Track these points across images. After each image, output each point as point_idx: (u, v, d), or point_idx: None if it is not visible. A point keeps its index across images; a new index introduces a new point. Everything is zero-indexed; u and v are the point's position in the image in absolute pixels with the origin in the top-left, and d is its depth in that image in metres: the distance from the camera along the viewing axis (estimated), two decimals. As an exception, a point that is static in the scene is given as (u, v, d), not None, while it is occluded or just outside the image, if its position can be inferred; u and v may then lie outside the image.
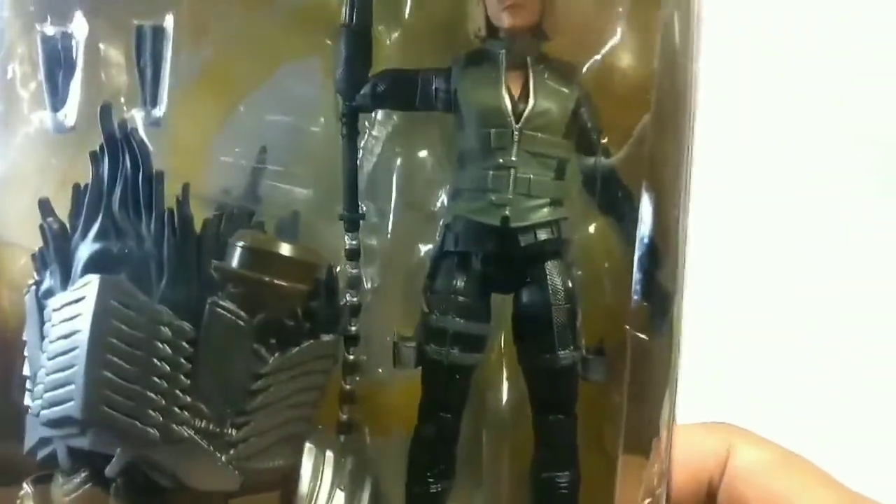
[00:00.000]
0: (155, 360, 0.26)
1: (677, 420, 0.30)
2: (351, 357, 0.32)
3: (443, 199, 0.31)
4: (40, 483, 0.28)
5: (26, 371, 0.29)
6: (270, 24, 0.33)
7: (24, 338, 0.29)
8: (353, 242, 0.33)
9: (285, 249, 0.28)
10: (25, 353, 0.29)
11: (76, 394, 0.26)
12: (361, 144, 0.33)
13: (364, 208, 0.33)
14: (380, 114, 0.33)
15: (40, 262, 0.28)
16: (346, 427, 0.33)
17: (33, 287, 0.28)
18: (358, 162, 0.32)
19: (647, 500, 0.28)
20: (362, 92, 0.31)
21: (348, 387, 0.33)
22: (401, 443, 0.32)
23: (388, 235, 0.32)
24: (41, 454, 0.27)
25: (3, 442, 0.29)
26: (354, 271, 0.32)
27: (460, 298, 0.30)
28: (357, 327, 0.32)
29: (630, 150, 0.30)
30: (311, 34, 0.33)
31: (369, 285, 0.33)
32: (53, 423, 0.26)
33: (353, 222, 0.33)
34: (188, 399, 0.26)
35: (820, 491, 0.32)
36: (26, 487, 0.28)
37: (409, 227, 0.32)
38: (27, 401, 0.28)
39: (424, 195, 0.32)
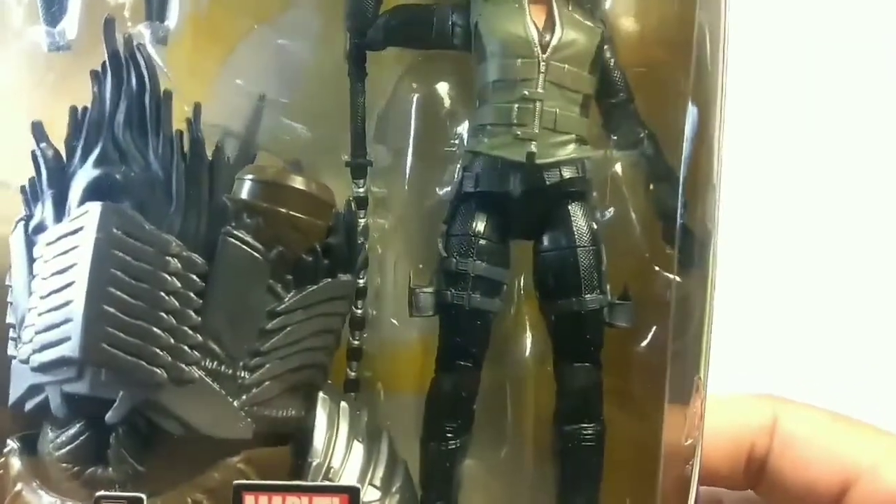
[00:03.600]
0: (162, 295, 0.25)
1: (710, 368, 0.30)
2: (359, 312, 0.32)
3: (461, 135, 0.31)
4: (24, 439, 0.27)
5: (10, 319, 0.27)
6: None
7: (9, 283, 0.28)
8: (361, 190, 0.32)
9: (300, 183, 0.27)
10: (9, 300, 0.27)
11: (74, 332, 0.24)
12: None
13: (372, 156, 0.32)
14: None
15: (31, 193, 0.27)
16: (353, 384, 0.32)
17: (21, 224, 0.27)
18: (365, 104, 0.32)
19: (689, 441, 0.28)
20: (373, 28, 0.31)
21: (356, 343, 0.32)
22: (414, 402, 0.31)
23: (405, 179, 0.32)
24: (30, 404, 0.26)
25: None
26: (362, 221, 0.32)
27: (481, 241, 0.30)
28: (365, 279, 0.32)
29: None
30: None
31: (377, 234, 0.33)
32: (46, 368, 0.25)
33: (360, 169, 0.32)
34: (198, 338, 0.25)
35: (881, 444, 0.32)
36: (11, 444, 0.27)
37: (426, 169, 0.32)
38: (11, 350, 0.27)
39: (442, 134, 0.31)
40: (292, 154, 0.32)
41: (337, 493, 0.24)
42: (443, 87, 0.32)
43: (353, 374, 0.32)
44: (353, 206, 0.30)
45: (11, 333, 0.27)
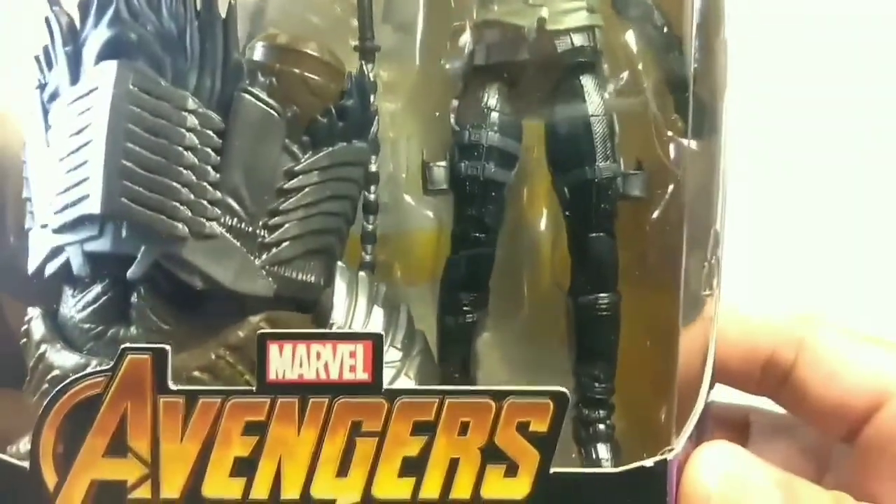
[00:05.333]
0: (180, 150, 0.25)
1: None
2: (372, 196, 0.33)
3: (471, 7, 0.32)
4: (45, 303, 0.27)
5: (26, 193, 0.28)
6: None
7: (23, 156, 0.28)
8: (369, 69, 0.33)
9: (313, 48, 0.28)
10: (25, 175, 0.28)
11: (93, 189, 0.25)
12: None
13: (379, 40, 0.33)
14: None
15: (45, 60, 0.28)
16: (369, 267, 0.33)
17: (36, 92, 0.28)
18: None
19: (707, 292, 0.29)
20: None
21: (370, 227, 0.33)
22: (430, 287, 0.32)
23: (414, 59, 0.32)
24: (51, 267, 0.27)
25: None
26: (358, 80, 0.32)
27: (493, 113, 0.31)
28: (377, 164, 0.32)
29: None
30: None
31: (389, 119, 0.33)
32: (67, 227, 0.26)
33: (368, 51, 0.33)
34: (217, 194, 0.26)
35: None
36: (32, 312, 0.27)
37: (434, 46, 0.32)
38: (28, 223, 0.28)
39: (450, 7, 0.32)
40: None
41: (361, 339, 0.25)
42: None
43: (368, 257, 0.33)
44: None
45: (29, 206, 0.28)
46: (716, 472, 0.28)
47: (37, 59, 0.28)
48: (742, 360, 0.35)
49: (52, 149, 0.27)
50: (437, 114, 0.32)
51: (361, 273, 0.30)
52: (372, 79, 0.33)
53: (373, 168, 0.31)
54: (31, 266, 0.27)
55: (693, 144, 0.30)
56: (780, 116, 0.56)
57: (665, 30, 0.31)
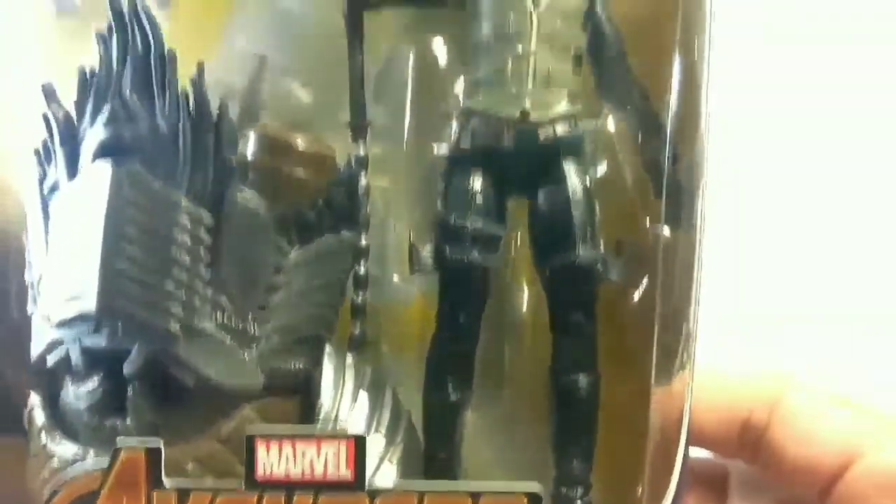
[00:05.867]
0: (174, 250, 0.27)
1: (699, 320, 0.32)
2: (362, 270, 0.34)
3: (457, 93, 0.33)
4: (46, 392, 0.29)
5: (28, 277, 0.30)
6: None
7: (26, 241, 0.30)
8: (361, 151, 0.34)
9: (300, 139, 0.29)
10: (28, 259, 0.30)
11: (90, 287, 0.26)
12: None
13: (371, 116, 0.34)
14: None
15: (44, 155, 0.29)
16: (357, 341, 0.34)
17: (35, 184, 0.29)
18: (363, 64, 0.34)
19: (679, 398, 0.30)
20: (371, -12, 0.33)
21: (359, 300, 0.34)
22: (416, 358, 0.33)
23: (404, 138, 0.34)
24: (51, 359, 0.28)
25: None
26: (364, 181, 0.34)
27: (478, 197, 0.32)
28: (366, 238, 0.34)
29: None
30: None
31: (378, 195, 0.34)
32: (66, 323, 0.27)
33: (359, 129, 0.34)
34: (209, 292, 0.27)
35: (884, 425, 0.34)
36: (34, 398, 0.29)
37: (424, 127, 0.33)
38: (30, 308, 0.29)
39: (439, 93, 0.33)
40: (293, 115, 0.34)
41: (344, 439, 0.26)
42: (439, 46, 0.34)
43: (357, 331, 0.34)
44: (353, 164, 0.32)
45: (31, 291, 0.29)
46: None
47: (36, 152, 0.29)
48: (720, 423, 0.36)
49: (51, 241, 0.28)
50: (424, 195, 0.33)
51: (349, 356, 0.31)
52: (363, 154, 0.34)
53: (363, 243, 0.32)
54: (34, 353, 0.29)
55: (667, 231, 0.31)
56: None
57: (647, 116, 0.32)
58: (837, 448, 0.34)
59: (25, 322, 0.30)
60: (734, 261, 0.53)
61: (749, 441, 0.36)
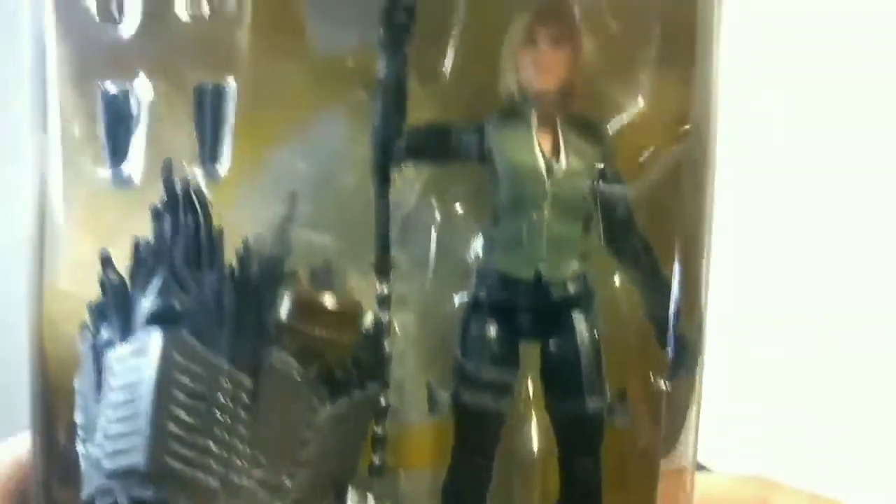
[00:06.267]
0: (216, 412, 0.30)
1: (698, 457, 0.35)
2: (382, 402, 0.37)
3: (476, 250, 0.36)
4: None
5: (77, 418, 0.32)
6: (303, 74, 0.36)
7: (76, 385, 0.32)
8: (384, 291, 0.37)
9: (329, 301, 0.32)
10: (78, 401, 0.32)
11: (140, 445, 0.29)
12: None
13: (394, 257, 0.37)
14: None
15: (98, 313, 0.32)
16: (377, 470, 0.37)
17: (88, 336, 0.32)
18: (389, 212, 0.37)
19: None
20: (398, 144, 0.35)
21: (380, 432, 0.37)
22: (430, 476, 0.36)
23: (425, 283, 0.36)
24: (101, 503, 0.31)
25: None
26: (385, 318, 0.36)
27: (493, 347, 0.35)
28: (386, 397, 0.36)
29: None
30: (343, 86, 0.37)
31: (399, 332, 0.37)
32: (116, 474, 0.30)
33: (384, 271, 0.37)
34: (247, 449, 0.30)
35: None
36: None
37: (445, 276, 0.36)
38: (80, 448, 0.32)
39: (460, 247, 0.36)
40: (322, 256, 0.37)
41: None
42: (460, 200, 0.37)
43: (377, 461, 0.37)
44: (378, 308, 0.35)
45: (81, 432, 0.32)
46: None
47: (89, 308, 0.32)
48: None
49: (103, 392, 0.31)
50: (443, 338, 0.36)
51: (370, 496, 0.34)
52: (386, 293, 0.37)
53: (382, 403, 0.35)
54: (85, 493, 0.31)
55: (668, 385, 0.34)
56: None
57: (653, 272, 0.35)
58: None
59: (73, 455, 0.33)
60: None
61: None
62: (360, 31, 0.36)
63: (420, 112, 0.35)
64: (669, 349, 0.34)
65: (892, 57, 0.75)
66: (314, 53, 0.36)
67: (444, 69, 0.35)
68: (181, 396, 0.29)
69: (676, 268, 0.34)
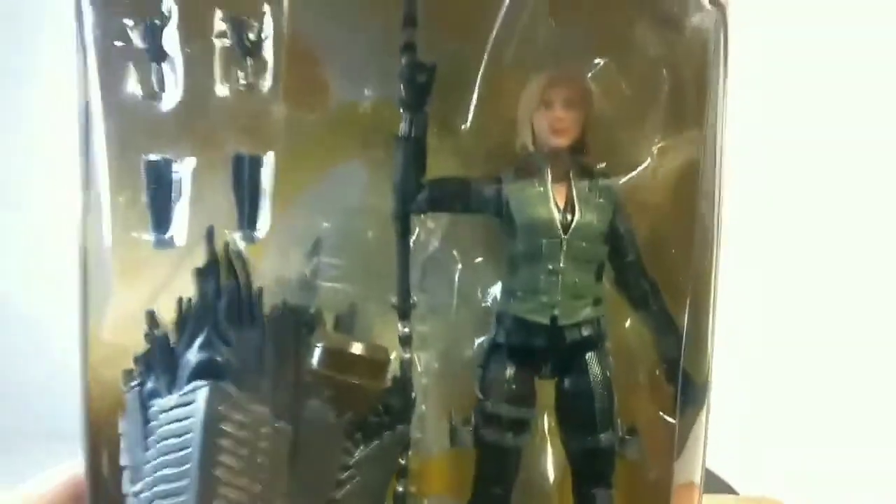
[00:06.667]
0: (258, 458, 0.32)
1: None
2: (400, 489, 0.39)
3: (495, 295, 0.38)
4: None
5: (124, 461, 0.35)
6: (327, 133, 0.39)
7: (121, 430, 0.35)
8: (406, 329, 0.39)
9: (359, 349, 0.34)
10: (123, 445, 0.35)
11: (189, 490, 0.32)
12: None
13: (415, 299, 0.39)
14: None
15: (144, 364, 0.34)
16: (401, 498, 0.39)
17: (136, 387, 0.34)
18: (409, 259, 0.39)
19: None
20: (419, 196, 0.38)
21: (403, 462, 0.39)
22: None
23: (447, 324, 0.39)
24: (152, 543, 0.33)
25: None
26: (407, 356, 0.39)
27: (512, 387, 0.37)
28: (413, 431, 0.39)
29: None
30: (363, 142, 0.39)
31: (422, 369, 0.40)
32: (165, 514, 0.32)
33: (405, 312, 0.39)
34: (288, 491, 0.32)
35: None
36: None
37: (465, 319, 0.39)
38: (127, 487, 0.34)
39: (478, 293, 0.38)
40: (348, 300, 0.39)
41: None
42: (478, 249, 0.39)
43: (401, 489, 0.39)
44: (400, 347, 0.38)
45: (128, 474, 0.34)
46: None
47: (135, 360, 0.34)
48: None
49: (151, 440, 0.33)
50: (464, 377, 0.38)
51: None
52: (408, 331, 0.39)
53: (410, 437, 0.37)
54: (135, 534, 0.34)
55: (672, 421, 0.37)
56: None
57: (662, 315, 0.38)
58: None
59: (120, 498, 0.35)
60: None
61: None
62: (381, 88, 0.38)
63: (439, 165, 0.38)
64: (678, 386, 0.36)
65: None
66: (336, 110, 0.38)
67: (464, 126, 0.38)
68: (226, 443, 0.32)
69: (683, 307, 0.37)
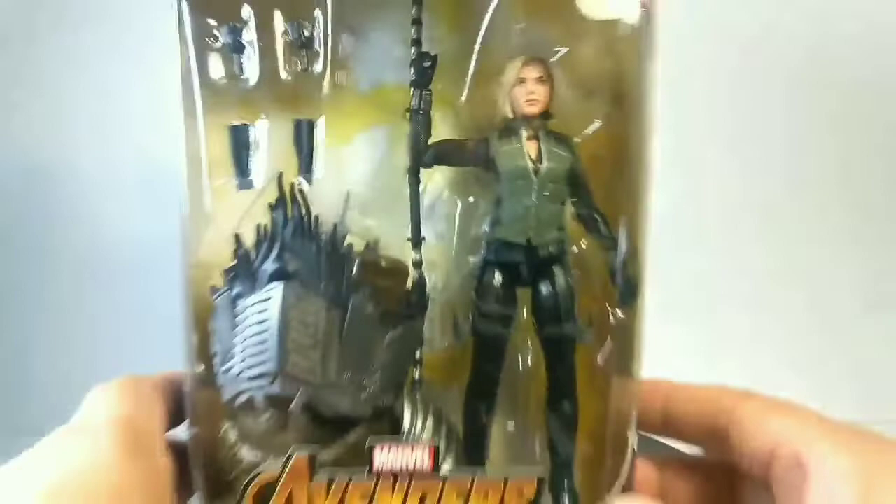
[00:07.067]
0: (320, 335, 0.45)
1: (642, 367, 0.51)
2: (416, 374, 0.52)
3: (485, 226, 0.51)
4: (237, 421, 0.47)
5: (215, 348, 0.47)
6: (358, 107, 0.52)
7: (211, 328, 0.48)
8: (417, 257, 0.52)
9: (389, 261, 0.48)
10: (213, 338, 0.47)
11: (271, 358, 0.45)
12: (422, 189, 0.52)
13: (424, 233, 0.52)
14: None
15: (231, 275, 0.47)
16: (418, 383, 0.52)
17: (226, 292, 0.47)
18: (420, 201, 0.52)
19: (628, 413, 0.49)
20: (427, 154, 0.51)
21: (419, 356, 0.52)
22: (457, 390, 0.52)
23: (451, 251, 0.52)
24: (239, 402, 0.46)
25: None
26: (417, 275, 0.52)
27: (499, 292, 0.50)
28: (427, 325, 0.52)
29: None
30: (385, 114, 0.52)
31: (430, 284, 0.53)
32: (252, 378, 0.45)
33: (417, 243, 0.52)
34: (341, 359, 0.45)
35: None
36: (226, 424, 0.47)
37: (462, 246, 0.52)
38: (219, 368, 0.47)
39: (472, 227, 0.52)
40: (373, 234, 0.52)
41: (426, 446, 0.44)
42: (470, 191, 0.52)
43: (417, 376, 0.52)
44: (418, 274, 0.51)
45: (218, 358, 0.47)
46: None
47: (225, 271, 0.47)
48: (695, 427, 0.50)
49: (238, 328, 0.46)
50: (463, 287, 0.52)
51: (417, 394, 0.49)
52: (419, 258, 0.52)
53: (425, 328, 0.51)
54: (226, 397, 0.47)
55: (620, 313, 0.50)
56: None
57: (608, 236, 0.51)
58: (770, 441, 0.43)
59: (213, 377, 0.48)
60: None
61: (715, 437, 0.47)
62: (398, 72, 0.51)
63: (442, 131, 0.51)
64: (619, 287, 0.50)
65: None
66: (366, 89, 0.51)
67: (460, 100, 0.51)
68: (295, 325, 0.45)
69: (622, 230, 0.50)
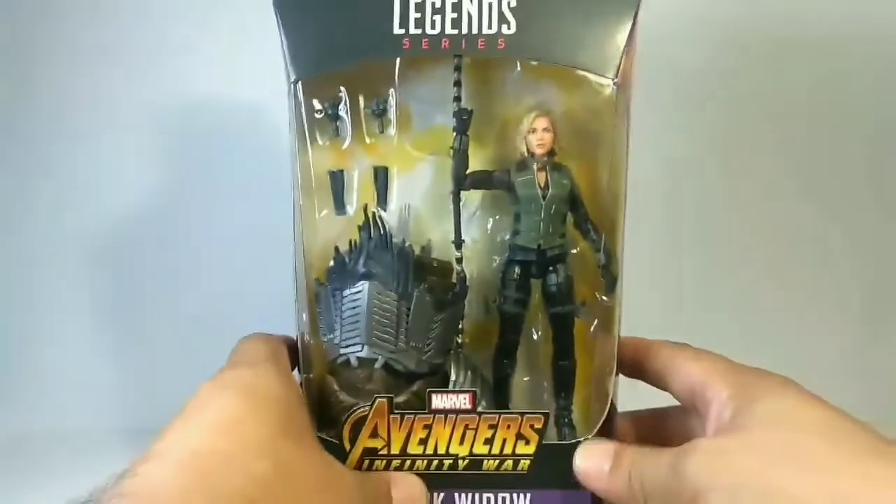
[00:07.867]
0: (392, 318, 0.65)
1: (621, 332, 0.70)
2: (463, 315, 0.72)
3: (507, 235, 0.71)
4: (336, 375, 0.68)
5: (321, 324, 0.68)
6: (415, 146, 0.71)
7: (318, 310, 0.68)
8: (458, 254, 0.72)
9: (437, 263, 0.68)
10: (320, 317, 0.68)
11: (361, 332, 0.65)
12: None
13: (464, 238, 0.72)
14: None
15: (331, 274, 0.67)
16: (460, 346, 0.73)
17: (327, 285, 0.67)
18: (461, 215, 0.72)
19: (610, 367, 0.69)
20: (465, 181, 0.70)
21: (461, 327, 0.73)
22: (489, 354, 0.72)
23: (482, 252, 0.72)
24: (339, 361, 0.67)
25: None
26: (460, 270, 0.72)
27: (517, 281, 0.70)
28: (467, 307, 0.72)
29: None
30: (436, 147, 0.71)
31: (468, 275, 0.73)
32: (347, 346, 0.66)
33: (459, 245, 0.72)
34: (408, 333, 0.66)
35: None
36: (329, 378, 0.68)
37: (491, 248, 0.72)
38: (324, 338, 0.68)
39: (498, 235, 0.71)
40: (426, 237, 0.72)
41: (468, 392, 0.65)
42: (497, 209, 0.72)
43: (459, 340, 0.73)
44: (460, 268, 0.71)
45: (324, 331, 0.68)
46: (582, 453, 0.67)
47: (327, 270, 0.67)
48: (649, 371, 0.66)
49: (336, 310, 0.67)
50: (492, 278, 0.72)
51: (460, 355, 0.70)
52: (460, 255, 0.72)
53: (465, 309, 0.71)
54: (329, 357, 0.67)
55: (605, 299, 0.69)
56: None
57: (597, 242, 0.70)
58: (693, 380, 0.59)
59: (319, 343, 0.69)
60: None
61: (656, 376, 0.65)
62: (444, 120, 0.70)
63: (476, 164, 0.70)
64: (604, 280, 0.69)
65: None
66: (419, 134, 0.70)
67: (489, 142, 0.70)
68: (377, 311, 0.65)
69: (604, 238, 0.69)
